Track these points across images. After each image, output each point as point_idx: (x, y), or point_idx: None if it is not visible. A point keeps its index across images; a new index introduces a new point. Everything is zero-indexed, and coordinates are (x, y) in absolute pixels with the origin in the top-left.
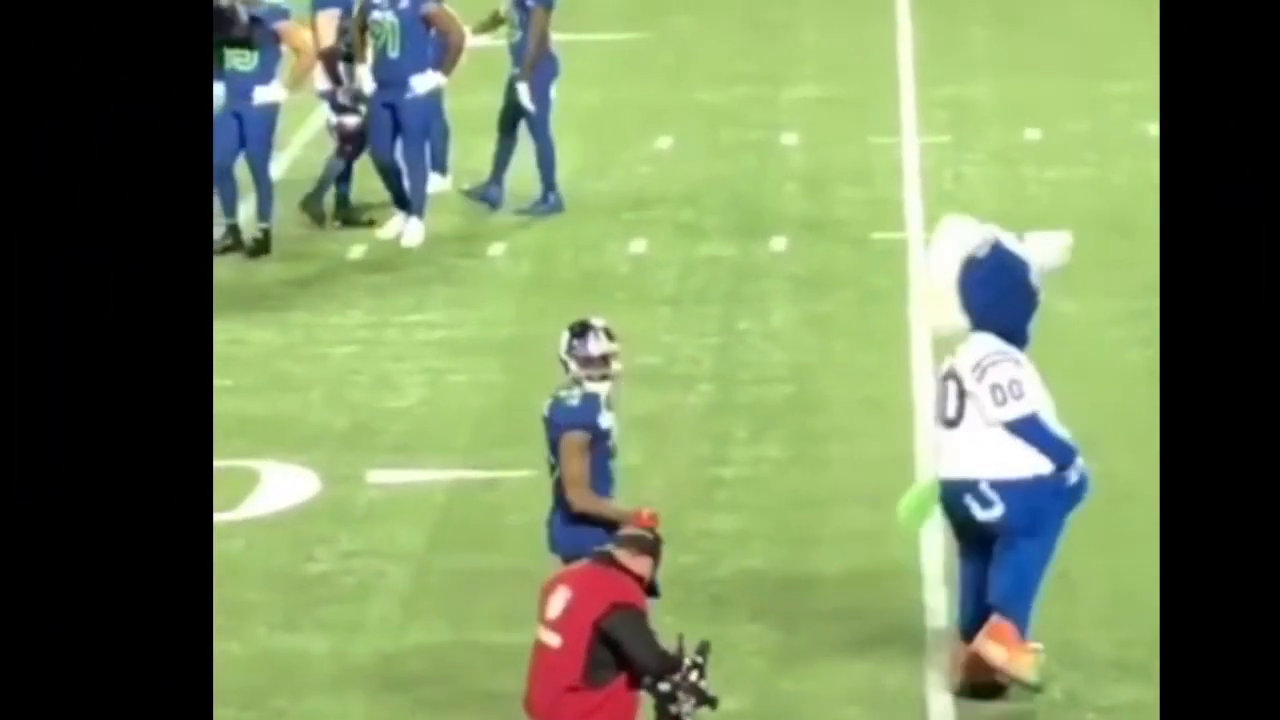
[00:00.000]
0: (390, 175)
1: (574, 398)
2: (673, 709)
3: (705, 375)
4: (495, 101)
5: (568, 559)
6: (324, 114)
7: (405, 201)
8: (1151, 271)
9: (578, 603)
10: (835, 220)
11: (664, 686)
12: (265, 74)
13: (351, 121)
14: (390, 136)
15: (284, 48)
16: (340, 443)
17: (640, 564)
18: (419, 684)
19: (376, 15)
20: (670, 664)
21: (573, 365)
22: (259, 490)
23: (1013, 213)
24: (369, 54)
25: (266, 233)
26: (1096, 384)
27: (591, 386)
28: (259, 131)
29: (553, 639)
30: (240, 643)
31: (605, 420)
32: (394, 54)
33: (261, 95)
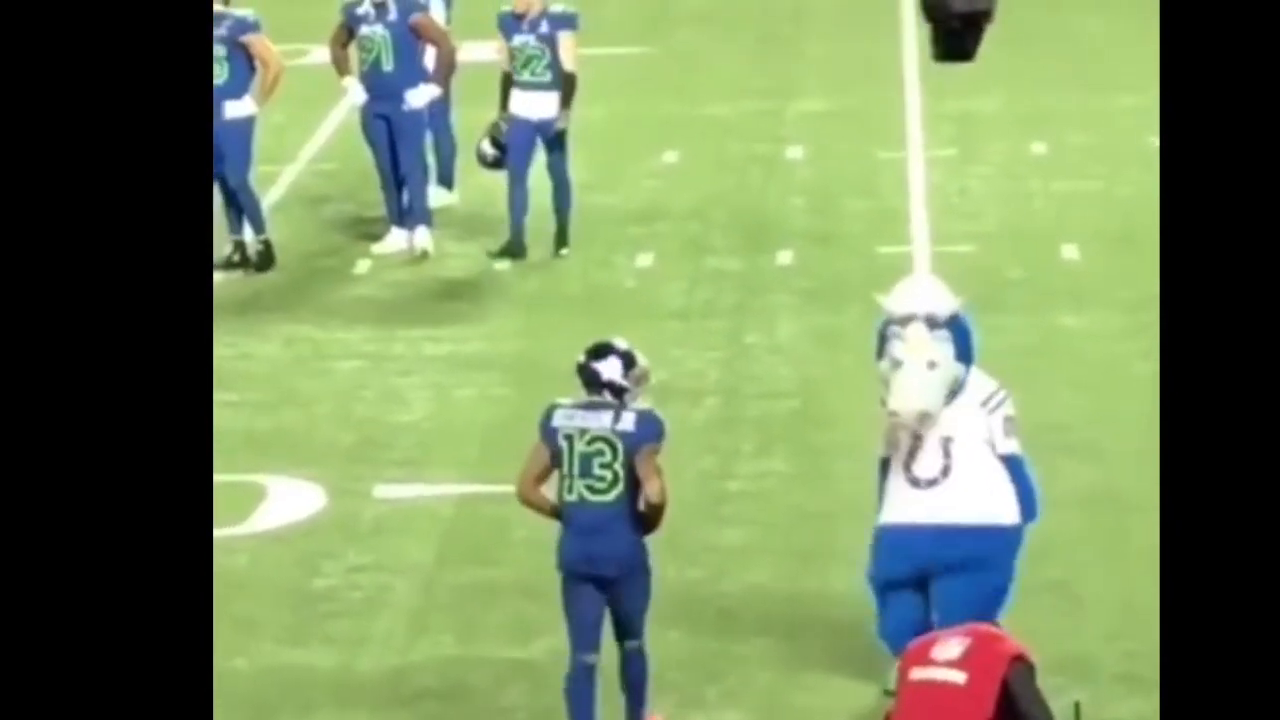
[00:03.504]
0: (390, 188)
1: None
2: None
3: (711, 389)
4: (486, 117)
5: (620, 574)
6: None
7: (401, 216)
8: (1156, 285)
9: (981, 648)
10: (842, 234)
11: None
12: (237, 88)
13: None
14: (389, 149)
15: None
16: (347, 457)
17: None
18: (426, 699)
19: (366, 29)
20: None
21: (631, 387)
22: (265, 505)
23: (1018, 226)
24: (354, 66)
25: (267, 244)
26: (1102, 397)
27: (639, 403)
28: (234, 146)
29: (956, 676)
30: (246, 658)
31: None
32: (388, 67)
33: (233, 110)
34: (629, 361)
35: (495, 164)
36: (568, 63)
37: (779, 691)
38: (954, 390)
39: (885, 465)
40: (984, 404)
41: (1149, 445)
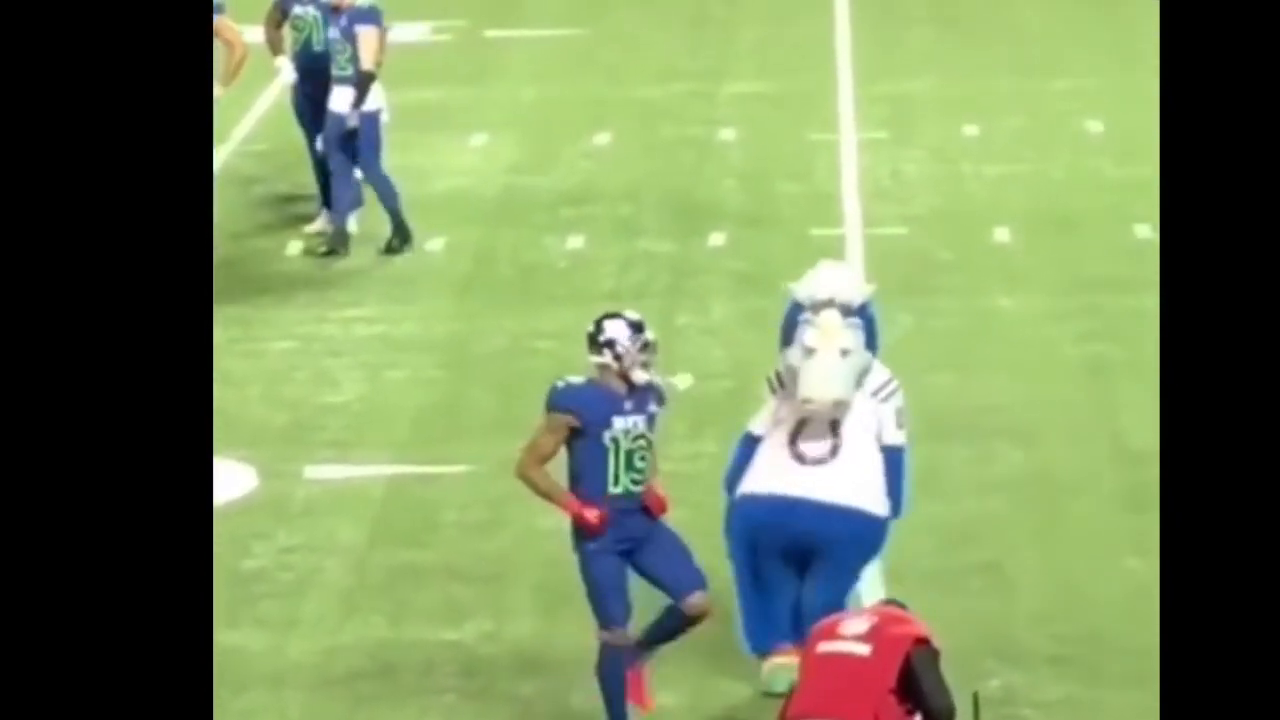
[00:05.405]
0: (321, 169)
1: (562, 382)
2: None
3: None
4: (417, 98)
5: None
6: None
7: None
8: (1088, 267)
9: (887, 626)
10: (774, 216)
11: None
12: None
13: None
14: (318, 129)
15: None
16: (278, 438)
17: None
18: (357, 680)
19: (299, 9)
20: (953, 713)
21: (629, 350)
22: None
23: (950, 209)
24: (287, 46)
25: None
26: (1034, 379)
27: (640, 375)
28: None
29: (861, 649)
30: None
31: (621, 422)
32: (318, 47)
33: None
34: (635, 328)
35: None
36: (364, 60)
37: (709, 677)
38: (861, 378)
39: (750, 441)
40: (875, 393)
41: (1080, 427)
